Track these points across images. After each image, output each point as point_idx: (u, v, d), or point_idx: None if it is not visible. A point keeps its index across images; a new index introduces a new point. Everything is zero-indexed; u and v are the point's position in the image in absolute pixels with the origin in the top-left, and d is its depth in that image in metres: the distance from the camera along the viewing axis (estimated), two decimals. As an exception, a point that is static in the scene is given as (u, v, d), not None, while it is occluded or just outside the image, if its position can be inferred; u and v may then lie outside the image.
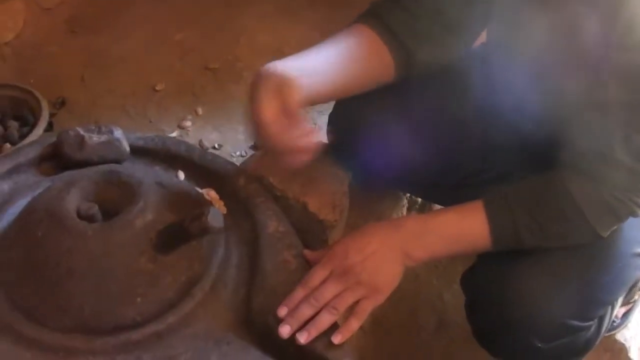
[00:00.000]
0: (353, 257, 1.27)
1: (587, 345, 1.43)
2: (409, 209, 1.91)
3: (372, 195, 1.77)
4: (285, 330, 1.22)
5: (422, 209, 1.97)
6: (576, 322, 1.34)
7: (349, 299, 1.26)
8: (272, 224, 1.42)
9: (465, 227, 1.31)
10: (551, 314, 1.30)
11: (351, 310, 1.28)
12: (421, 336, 2.01)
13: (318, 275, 1.28)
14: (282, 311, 1.25)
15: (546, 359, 1.38)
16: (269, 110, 1.20)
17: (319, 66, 1.32)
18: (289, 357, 1.24)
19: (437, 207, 1.96)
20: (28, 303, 1.26)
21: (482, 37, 1.49)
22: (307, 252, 1.38)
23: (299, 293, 1.27)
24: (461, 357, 1.96)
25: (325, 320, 1.24)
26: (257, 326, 1.27)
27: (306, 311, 1.24)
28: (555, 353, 1.36)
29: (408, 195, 1.88)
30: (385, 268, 1.29)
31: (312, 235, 1.51)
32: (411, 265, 1.32)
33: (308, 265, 1.37)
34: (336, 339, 1.22)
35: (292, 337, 1.23)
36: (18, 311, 1.26)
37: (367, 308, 1.28)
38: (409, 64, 1.42)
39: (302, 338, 1.21)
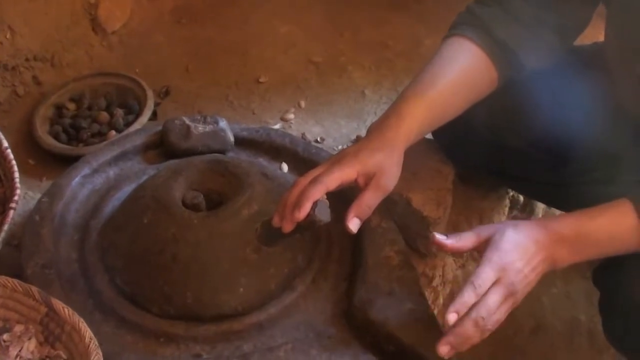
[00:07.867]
0: (526, 265, 1.17)
1: None
2: (510, 209, 1.88)
3: (474, 193, 1.74)
4: (444, 350, 1.12)
5: (524, 209, 1.93)
6: None
7: (502, 316, 1.15)
8: (375, 219, 1.40)
9: (616, 231, 1.23)
10: None
11: None
12: (518, 339, 1.98)
13: (489, 277, 1.14)
14: (452, 317, 1.11)
15: None
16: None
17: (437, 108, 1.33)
18: (387, 354, 1.23)
19: (540, 205, 1.93)
20: (132, 288, 1.29)
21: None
22: (438, 236, 1.24)
23: (470, 297, 1.12)
24: (560, 362, 1.92)
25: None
26: (358, 321, 1.26)
27: (473, 333, 1.12)
28: None
29: (510, 194, 1.85)
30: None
31: (414, 232, 1.50)
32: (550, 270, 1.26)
33: (409, 262, 1.35)
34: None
35: (393, 334, 1.22)
36: (122, 296, 1.29)
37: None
38: (516, 73, 1.39)
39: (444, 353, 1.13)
